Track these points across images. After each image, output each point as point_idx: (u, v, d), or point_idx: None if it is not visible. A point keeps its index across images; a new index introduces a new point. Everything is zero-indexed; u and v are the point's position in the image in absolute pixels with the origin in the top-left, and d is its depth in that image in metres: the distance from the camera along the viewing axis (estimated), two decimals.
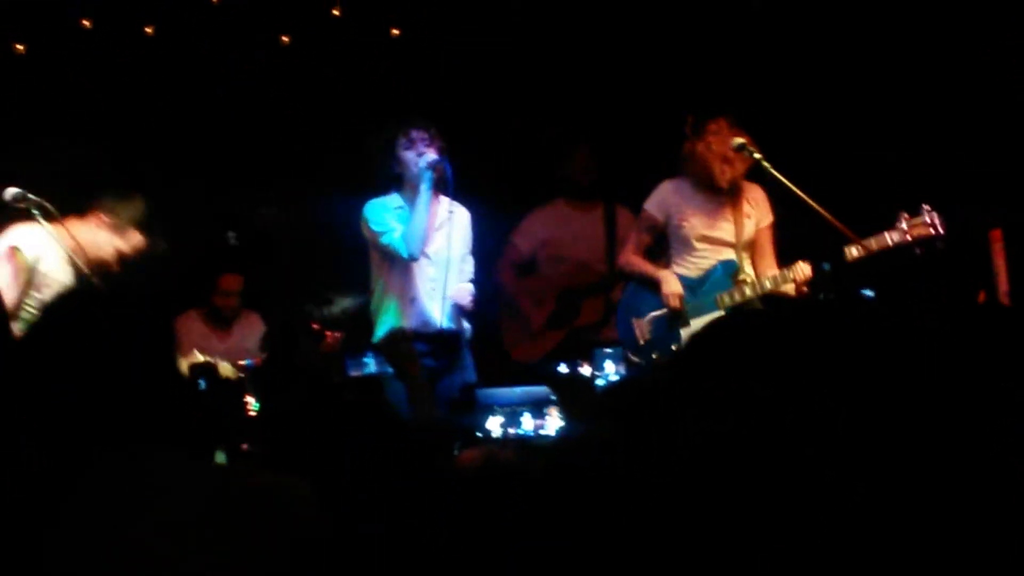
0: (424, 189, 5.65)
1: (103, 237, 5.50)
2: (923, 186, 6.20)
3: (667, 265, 5.92)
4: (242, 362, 6.32)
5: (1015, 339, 2.06)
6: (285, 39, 7.47)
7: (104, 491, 1.95)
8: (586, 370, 5.83)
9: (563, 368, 5.88)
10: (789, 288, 5.59)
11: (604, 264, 6.67)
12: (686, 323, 5.77)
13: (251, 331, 7.46)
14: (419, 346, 5.76)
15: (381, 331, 5.83)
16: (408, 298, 5.77)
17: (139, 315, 2.14)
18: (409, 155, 5.70)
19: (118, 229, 5.52)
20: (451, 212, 5.85)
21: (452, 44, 7.38)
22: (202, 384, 6.02)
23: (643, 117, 7.11)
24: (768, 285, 5.67)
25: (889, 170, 6.41)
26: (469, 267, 6.04)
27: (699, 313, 5.74)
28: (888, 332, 1.68)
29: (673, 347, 5.73)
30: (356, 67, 7.48)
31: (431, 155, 5.66)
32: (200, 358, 6.17)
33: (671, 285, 5.79)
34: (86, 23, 7.13)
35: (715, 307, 5.73)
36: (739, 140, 5.59)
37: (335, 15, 7.38)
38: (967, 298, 5.56)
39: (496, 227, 6.87)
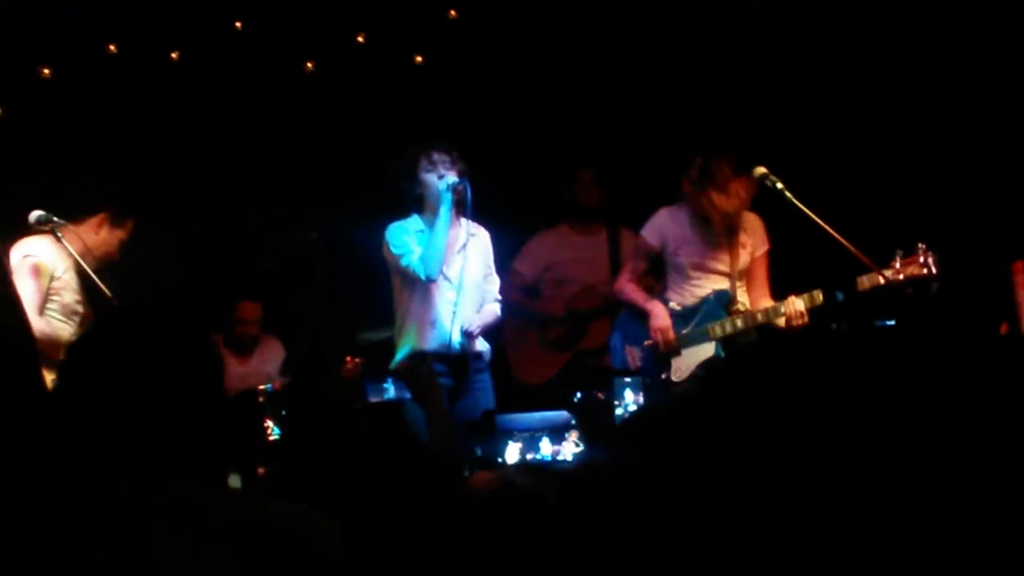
0: (443, 211, 5.67)
1: (104, 234, 5.62)
2: (945, 216, 6.20)
3: (664, 290, 5.94)
4: (261, 386, 6.33)
5: None
6: (309, 65, 7.50)
7: (129, 518, 1.95)
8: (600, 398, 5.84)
9: (578, 396, 5.87)
10: (780, 321, 5.63)
11: (608, 287, 6.68)
12: (677, 353, 5.80)
13: (271, 356, 7.49)
14: (438, 367, 5.77)
15: (401, 354, 5.84)
16: (428, 321, 5.78)
17: (185, 337, 2.15)
18: (430, 177, 5.73)
19: (118, 223, 5.60)
20: (472, 234, 5.87)
21: (459, 68, 7.41)
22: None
23: (647, 140, 7.14)
24: (760, 318, 5.70)
25: (908, 199, 6.39)
26: (494, 287, 6.05)
27: (691, 343, 5.80)
28: (893, 352, 1.68)
29: (663, 375, 5.78)
30: (374, 92, 7.51)
31: (452, 177, 5.68)
32: None
33: (660, 320, 5.82)
34: (112, 48, 7.17)
35: (707, 337, 5.79)
36: (761, 170, 5.59)
37: (359, 41, 7.42)
38: (989, 330, 5.54)
39: (502, 251, 6.90)
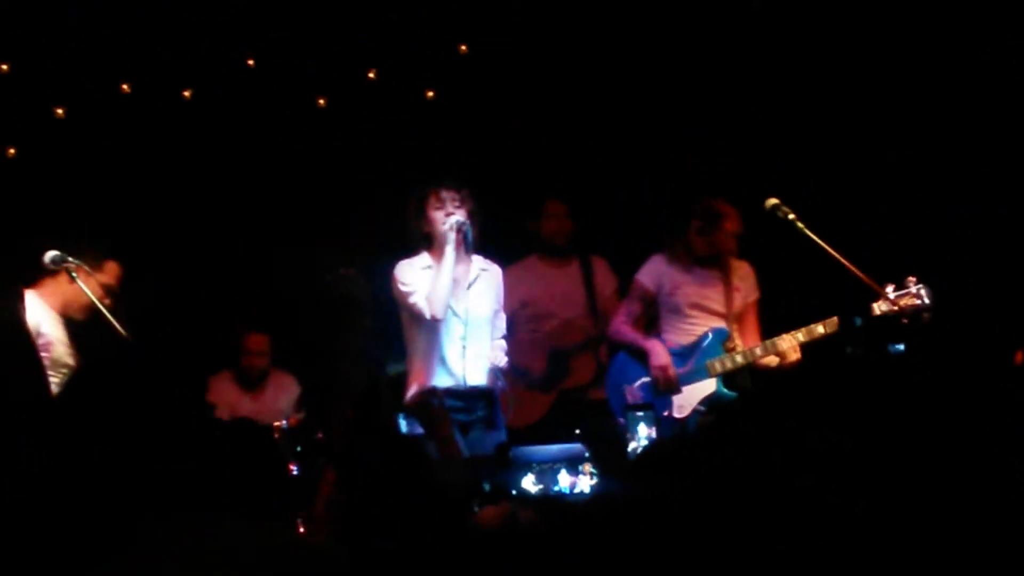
0: (449, 249, 5.70)
1: (79, 286, 5.43)
2: (960, 246, 6.20)
3: (658, 333, 5.99)
4: (277, 423, 6.31)
5: None
6: (321, 101, 7.54)
7: (150, 556, 1.96)
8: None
9: (579, 430, 5.87)
10: (772, 361, 5.71)
11: (587, 319, 6.64)
12: (678, 390, 5.84)
13: (283, 392, 7.45)
14: (450, 402, 5.76)
15: (412, 390, 5.84)
16: (437, 357, 5.79)
17: (164, 383, 2.16)
18: (438, 215, 5.76)
19: (93, 269, 5.51)
20: (483, 270, 5.89)
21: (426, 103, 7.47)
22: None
23: (615, 170, 7.16)
24: (758, 352, 5.76)
25: (926, 225, 6.40)
26: (501, 323, 6.04)
27: (690, 380, 5.86)
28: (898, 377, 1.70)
29: (664, 412, 5.79)
30: (379, 129, 7.55)
31: (458, 216, 5.71)
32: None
33: (660, 358, 5.88)
34: (125, 87, 7.22)
35: (706, 374, 5.84)
36: (772, 201, 5.62)
37: (371, 78, 7.47)
38: (1005, 359, 5.54)
39: None
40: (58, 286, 5.40)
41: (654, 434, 5.56)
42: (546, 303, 6.71)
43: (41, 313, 5.31)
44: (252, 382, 7.46)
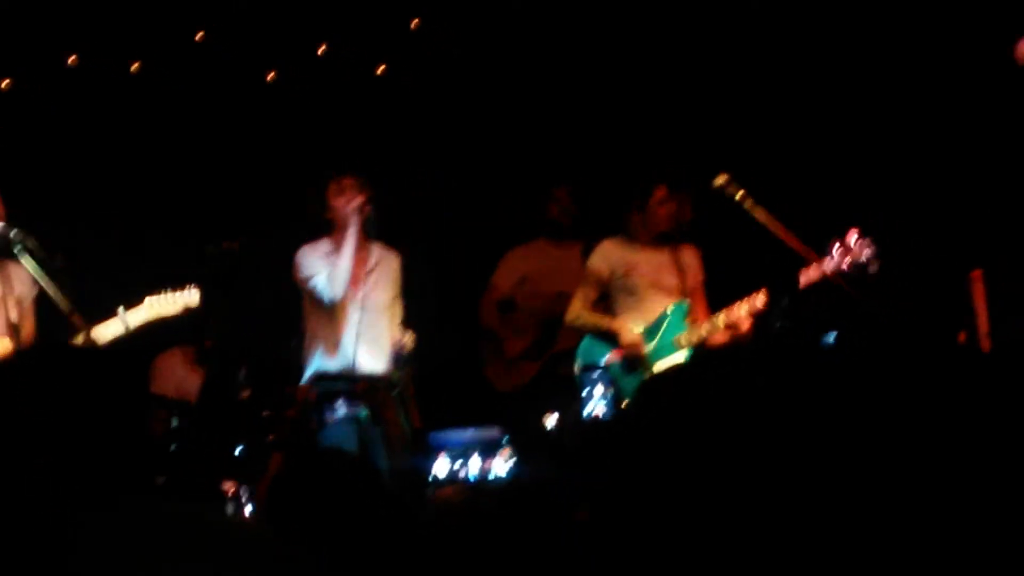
0: (350, 233, 5.78)
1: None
2: (903, 224, 6.26)
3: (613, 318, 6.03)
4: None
5: (991, 380, 2.08)
6: (270, 76, 7.49)
7: (84, 542, 1.94)
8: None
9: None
10: (725, 335, 5.80)
11: None
12: (648, 368, 5.87)
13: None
14: (342, 387, 5.82)
15: (308, 374, 5.90)
16: (333, 342, 5.86)
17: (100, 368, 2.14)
18: (339, 201, 5.84)
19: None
20: (380, 257, 5.95)
21: (433, 84, 7.43)
22: (175, 423, 5.99)
23: (623, 155, 7.17)
24: (722, 320, 5.80)
25: (867, 208, 6.45)
26: (399, 310, 6.10)
27: (660, 356, 5.92)
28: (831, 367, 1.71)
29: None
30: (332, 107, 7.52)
31: (358, 200, 5.78)
32: None
33: (629, 335, 5.95)
34: (71, 59, 7.14)
35: (675, 348, 5.93)
36: (721, 179, 5.68)
37: (319, 54, 7.42)
38: (947, 339, 5.60)
39: (479, 266, 6.94)
40: None
41: (610, 394, 5.64)
42: (542, 279, 6.90)
43: None
44: (200, 360, 7.44)
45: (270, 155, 7.61)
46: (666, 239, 6.04)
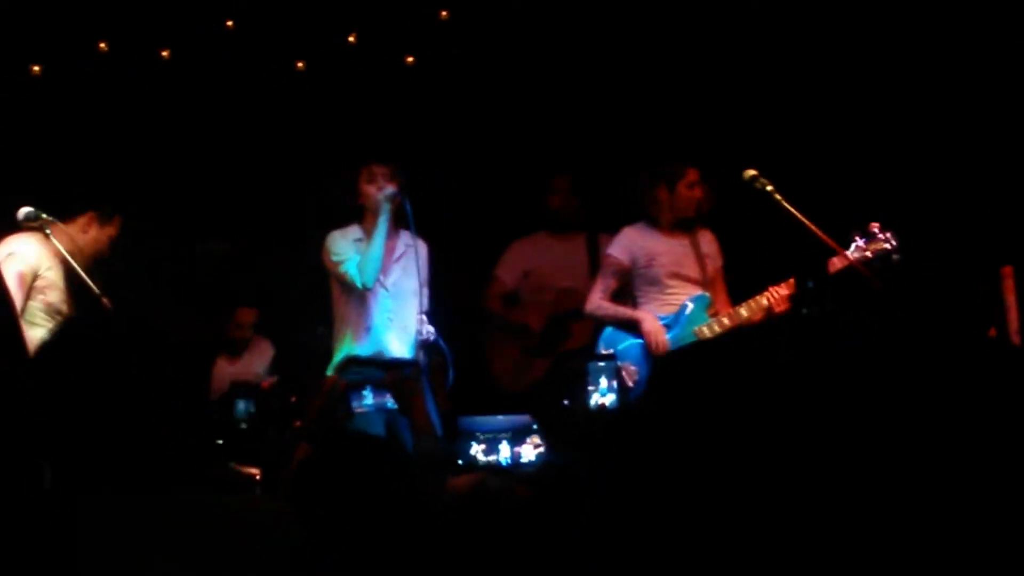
0: (382, 221, 5.81)
1: (94, 233, 5.58)
2: (934, 219, 6.22)
3: (634, 306, 6.02)
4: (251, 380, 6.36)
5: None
6: (300, 65, 7.50)
7: (95, 529, 1.95)
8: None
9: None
10: (761, 313, 5.76)
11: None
12: None
13: (260, 356, 7.58)
14: (370, 376, 5.83)
15: (337, 359, 5.92)
16: (364, 327, 5.90)
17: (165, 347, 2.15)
18: (370, 188, 5.87)
19: (106, 221, 5.60)
20: (409, 245, 5.95)
21: (424, 74, 7.44)
22: (240, 406, 6.05)
23: (624, 147, 7.17)
24: (744, 313, 5.79)
25: (900, 204, 6.42)
26: (424, 299, 6.11)
27: (680, 346, 5.85)
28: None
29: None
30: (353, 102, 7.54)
31: (390, 188, 5.80)
32: None
33: (651, 323, 5.91)
34: (103, 46, 7.16)
35: (695, 339, 5.87)
36: (750, 172, 5.66)
37: (351, 42, 7.43)
38: (978, 334, 5.56)
39: (480, 259, 6.92)
40: (70, 232, 5.43)
41: (615, 385, 5.63)
42: (549, 273, 6.83)
43: (45, 255, 5.33)
44: (234, 350, 7.63)
45: (298, 145, 7.62)
46: (686, 225, 6.01)
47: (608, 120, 7.41)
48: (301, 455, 5.55)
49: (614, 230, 6.25)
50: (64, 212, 5.50)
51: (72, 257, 5.36)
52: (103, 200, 5.61)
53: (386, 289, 5.92)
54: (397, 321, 5.91)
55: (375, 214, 5.85)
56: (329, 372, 5.92)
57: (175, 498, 2.04)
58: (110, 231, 5.60)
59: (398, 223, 5.92)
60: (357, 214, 5.97)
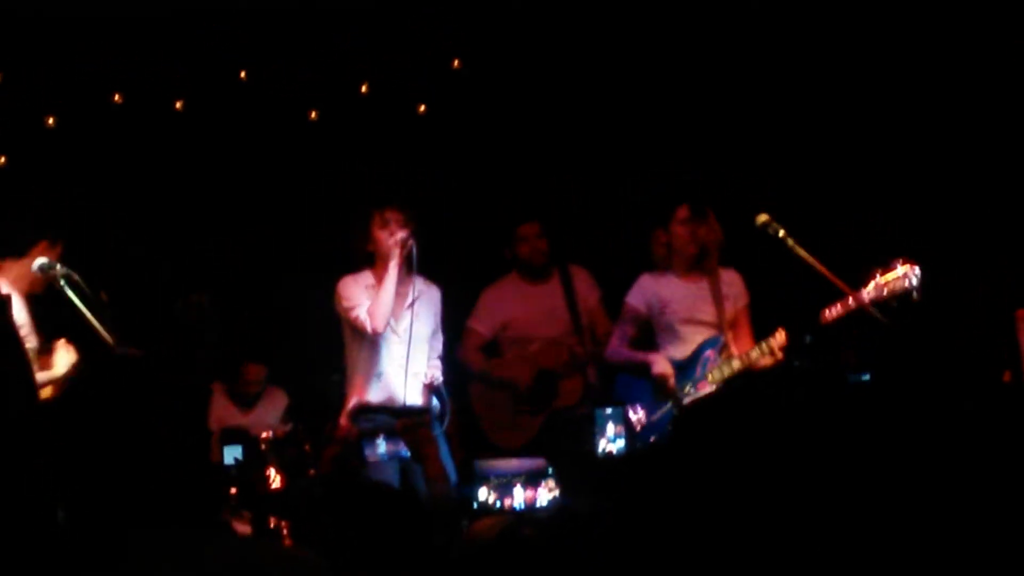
0: (392, 266, 5.83)
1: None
2: (949, 263, 6.21)
3: (656, 351, 5.98)
4: (264, 435, 6.33)
5: None
6: (313, 115, 7.55)
7: (135, 567, 1.95)
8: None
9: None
10: (769, 361, 5.71)
11: (572, 337, 6.62)
12: (679, 400, 5.81)
13: (273, 406, 7.55)
14: (382, 423, 5.82)
15: (349, 406, 5.92)
16: (375, 373, 5.91)
17: (170, 389, 2.15)
18: (382, 233, 5.88)
19: (54, 243, 5.51)
20: (422, 291, 5.97)
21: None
22: (229, 454, 6.04)
23: (591, 184, 7.16)
24: (754, 355, 5.75)
25: (911, 247, 6.42)
26: (439, 344, 6.13)
27: (691, 390, 5.84)
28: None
29: (670, 427, 5.74)
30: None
31: (402, 233, 5.84)
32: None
33: (661, 366, 5.88)
34: (117, 97, 7.21)
35: (706, 381, 5.84)
36: (763, 217, 5.64)
37: (363, 92, 7.47)
38: (992, 377, 5.55)
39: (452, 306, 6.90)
40: (18, 267, 5.40)
41: (623, 431, 5.60)
42: (528, 324, 6.69)
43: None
44: (246, 402, 7.60)
45: (312, 192, 7.65)
46: (703, 267, 5.97)
47: (575, 157, 7.42)
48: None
49: (585, 260, 6.19)
50: (17, 248, 5.46)
51: (30, 287, 5.35)
52: (51, 227, 5.55)
53: (397, 335, 5.93)
54: (409, 367, 5.91)
55: (386, 259, 5.87)
56: (341, 419, 5.92)
57: (195, 537, 2.04)
58: (57, 254, 5.54)
59: (410, 268, 5.93)
60: (369, 260, 5.98)
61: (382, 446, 5.88)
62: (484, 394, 6.71)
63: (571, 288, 6.67)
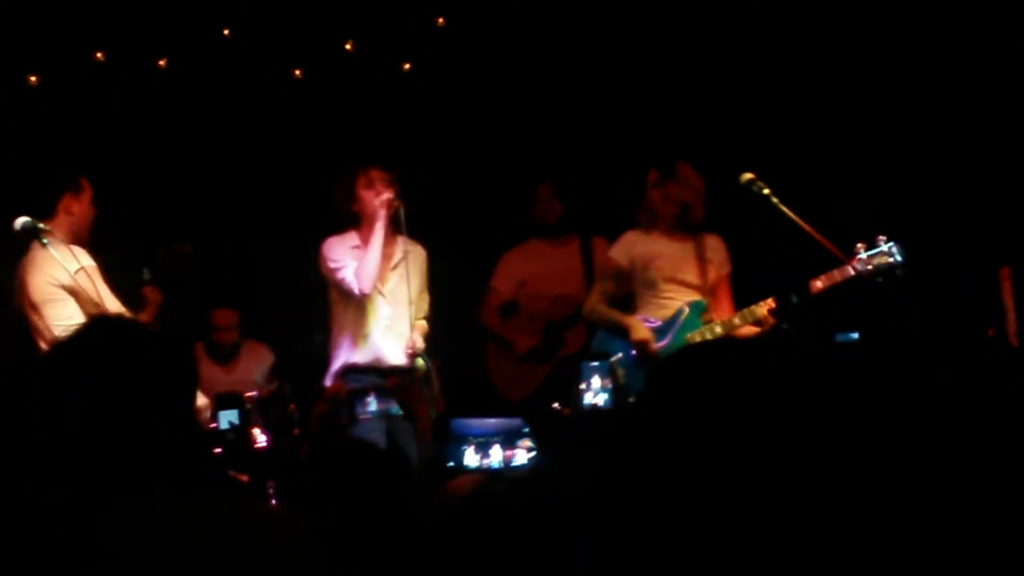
0: (379, 227, 5.80)
1: (77, 208, 5.52)
2: (933, 222, 6.22)
3: (634, 311, 5.97)
4: (248, 394, 6.31)
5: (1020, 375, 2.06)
6: (297, 72, 7.51)
7: (122, 534, 1.95)
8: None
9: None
10: (750, 330, 5.69)
11: (584, 294, 6.64)
12: None
13: (256, 362, 7.49)
14: (372, 382, 5.83)
15: (335, 366, 5.92)
16: (362, 334, 5.91)
17: (164, 350, 2.15)
18: (367, 194, 5.85)
19: (78, 190, 5.54)
20: (407, 251, 5.94)
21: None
22: (224, 418, 6.03)
23: (609, 148, 7.16)
24: (736, 321, 5.74)
25: (895, 207, 6.42)
26: (425, 304, 6.13)
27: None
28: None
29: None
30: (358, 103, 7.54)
31: (387, 194, 5.80)
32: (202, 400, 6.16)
33: (640, 332, 5.84)
34: (99, 55, 7.16)
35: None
36: (747, 176, 5.64)
37: (348, 49, 7.43)
38: (977, 335, 5.57)
39: (474, 270, 6.91)
40: (62, 223, 5.40)
41: (609, 384, 5.62)
42: (543, 281, 6.78)
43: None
44: (224, 356, 7.54)
45: (295, 152, 7.62)
46: (689, 229, 5.94)
47: (607, 123, 7.40)
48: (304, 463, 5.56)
49: (608, 233, 6.24)
50: (46, 208, 5.44)
51: (77, 241, 5.35)
52: (64, 175, 5.55)
53: (383, 296, 5.93)
54: (394, 328, 5.92)
55: (372, 220, 5.85)
56: (327, 380, 5.92)
57: (185, 500, 2.04)
58: (87, 196, 5.55)
59: (396, 229, 5.92)
60: (354, 220, 5.97)
61: (373, 404, 5.90)
62: (496, 348, 6.84)
63: (589, 252, 6.74)
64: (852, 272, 5.45)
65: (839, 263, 5.46)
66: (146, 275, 6.12)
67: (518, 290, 6.83)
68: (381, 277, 5.89)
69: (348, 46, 7.45)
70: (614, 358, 5.86)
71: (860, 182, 6.74)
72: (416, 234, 6.07)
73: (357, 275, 5.81)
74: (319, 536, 2.11)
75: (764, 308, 5.64)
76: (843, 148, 6.86)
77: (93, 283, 5.30)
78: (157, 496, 2.01)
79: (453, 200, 7.48)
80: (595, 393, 5.57)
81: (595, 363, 5.69)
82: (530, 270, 6.82)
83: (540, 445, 5.51)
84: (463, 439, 5.63)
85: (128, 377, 2.07)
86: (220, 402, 6.32)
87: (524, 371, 6.73)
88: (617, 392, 5.70)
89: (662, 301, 5.92)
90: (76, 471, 2.01)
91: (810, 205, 5.57)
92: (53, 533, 1.95)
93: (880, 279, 5.44)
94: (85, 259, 5.34)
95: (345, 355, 5.93)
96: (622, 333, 5.91)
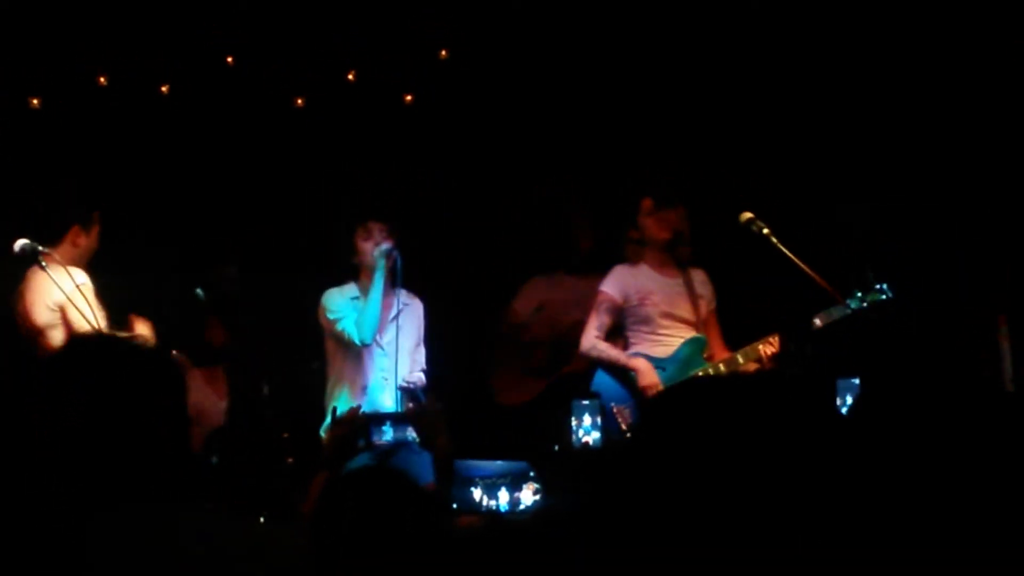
0: (377, 277, 5.84)
1: (84, 242, 5.65)
2: (933, 223, 6.21)
3: (625, 346, 5.95)
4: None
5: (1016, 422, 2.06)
6: (299, 101, 7.51)
7: (110, 545, 1.94)
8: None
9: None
10: (752, 366, 5.71)
11: None
12: None
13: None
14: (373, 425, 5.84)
15: (331, 417, 5.90)
16: (360, 385, 5.94)
17: (155, 367, 2.15)
18: (366, 245, 5.88)
19: (89, 224, 5.66)
20: (406, 304, 5.96)
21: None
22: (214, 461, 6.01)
23: (613, 179, 7.18)
24: (740, 360, 5.72)
25: (895, 207, 6.44)
26: (421, 357, 6.13)
27: None
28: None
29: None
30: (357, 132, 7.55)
31: (386, 245, 5.85)
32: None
33: (648, 377, 5.82)
34: (102, 80, 7.17)
35: None
36: (747, 215, 5.66)
37: (350, 79, 7.44)
38: (973, 381, 5.55)
39: (473, 317, 6.93)
40: (65, 251, 5.47)
41: (599, 422, 5.61)
42: (562, 309, 6.84)
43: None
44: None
45: (297, 180, 7.62)
46: (676, 259, 5.95)
47: (611, 157, 7.41)
48: (318, 488, 5.50)
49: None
50: (51, 235, 5.48)
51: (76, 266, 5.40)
52: (79, 208, 5.60)
53: (381, 347, 5.93)
54: (392, 380, 5.93)
55: (371, 271, 5.85)
56: (323, 431, 5.85)
57: (172, 514, 2.03)
58: (95, 231, 5.59)
59: (394, 281, 5.92)
60: (353, 271, 5.97)
61: (389, 433, 5.88)
62: (502, 356, 6.96)
63: None
64: (849, 311, 5.50)
65: (835, 301, 5.49)
66: (200, 295, 6.17)
67: (534, 313, 6.86)
68: (379, 328, 5.89)
69: (350, 76, 7.46)
70: (628, 405, 5.83)
71: (860, 182, 6.73)
72: (413, 285, 6.08)
73: (358, 326, 5.81)
74: (327, 553, 2.10)
75: (766, 346, 5.64)
76: (843, 148, 6.85)
77: (86, 300, 5.32)
78: (143, 509, 2.00)
79: (454, 237, 7.47)
80: (586, 431, 5.56)
81: (585, 402, 5.68)
82: (550, 295, 6.90)
83: (547, 488, 5.47)
84: (470, 480, 5.59)
85: (113, 392, 2.07)
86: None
87: (525, 380, 6.81)
88: (610, 429, 5.69)
89: (659, 337, 5.91)
90: (63, 483, 2.01)
91: (810, 205, 5.59)
92: (38, 544, 1.94)
93: (874, 315, 5.46)
94: (80, 277, 5.36)
95: (343, 405, 5.88)
96: (623, 374, 5.88)
